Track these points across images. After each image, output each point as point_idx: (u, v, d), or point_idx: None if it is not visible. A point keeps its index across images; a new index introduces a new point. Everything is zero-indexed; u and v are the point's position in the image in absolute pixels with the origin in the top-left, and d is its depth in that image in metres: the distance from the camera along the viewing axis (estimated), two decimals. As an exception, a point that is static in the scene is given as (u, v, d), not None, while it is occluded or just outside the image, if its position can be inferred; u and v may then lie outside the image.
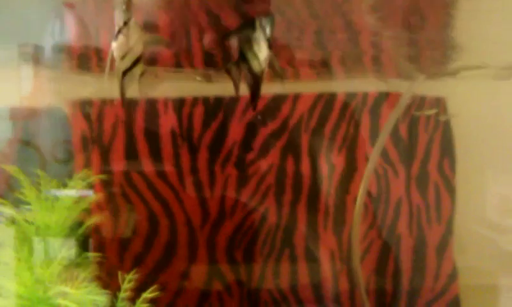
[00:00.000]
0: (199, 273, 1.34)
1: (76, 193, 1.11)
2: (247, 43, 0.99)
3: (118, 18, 0.96)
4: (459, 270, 1.33)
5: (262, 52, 0.99)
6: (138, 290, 1.30)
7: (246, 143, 1.32)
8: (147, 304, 0.90)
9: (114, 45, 0.96)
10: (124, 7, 0.94)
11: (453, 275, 1.33)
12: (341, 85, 1.33)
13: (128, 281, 0.88)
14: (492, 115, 1.33)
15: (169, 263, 1.33)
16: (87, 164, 1.31)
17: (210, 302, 1.34)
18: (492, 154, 1.35)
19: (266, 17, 0.96)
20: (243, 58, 1.01)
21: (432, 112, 1.31)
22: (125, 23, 0.95)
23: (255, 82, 1.02)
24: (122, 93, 1.02)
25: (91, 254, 1.06)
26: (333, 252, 1.33)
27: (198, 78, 1.26)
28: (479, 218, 1.34)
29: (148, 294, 0.89)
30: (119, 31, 0.95)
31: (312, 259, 1.34)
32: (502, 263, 1.30)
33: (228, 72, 1.06)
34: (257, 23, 0.96)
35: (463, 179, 1.34)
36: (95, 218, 1.15)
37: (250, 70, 1.01)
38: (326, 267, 1.34)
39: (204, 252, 1.33)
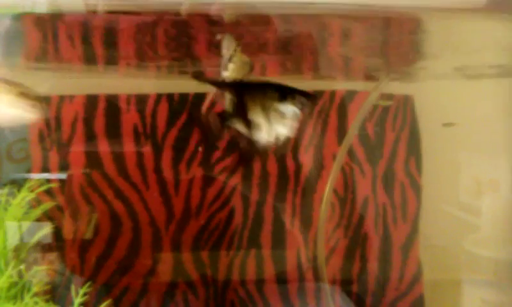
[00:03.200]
0: (164, 273, 1.32)
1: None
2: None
3: (228, 46, 0.91)
4: (424, 267, 1.35)
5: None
6: (100, 294, 1.28)
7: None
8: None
9: (225, 74, 0.91)
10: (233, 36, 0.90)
11: (418, 274, 1.34)
12: (309, 83, 1.31)
13: (82, 296, 0.85)
14: (457, 113, 1.34)
15: (133, 263, 1.30)
16: (45, 163, 1.26)
17: (175, 301, 1.32)
18: (457, 151, 1.36)
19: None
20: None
21: (388, 103, 1.30)
22: (235, 50, 0.90)
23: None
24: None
25: (42, 268, 1.01)
26: (300, 251, 1.33)
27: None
28: (444, 215, 1.35)
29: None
30: (230, 59, 0.90)
31: (279, 258, 1.33)
32: (465, 259, 1.32)
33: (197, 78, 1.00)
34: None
35: (429, 177, 1.35)
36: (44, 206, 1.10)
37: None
38: (292, 266, 1.33)
39: (169, 253, 1.31)
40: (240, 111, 0.87)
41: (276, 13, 0.92)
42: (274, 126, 0.86)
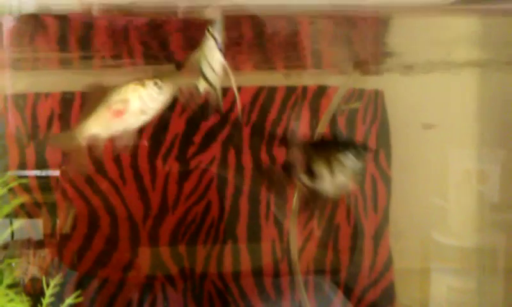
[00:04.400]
0: (142, 266, 1.34)
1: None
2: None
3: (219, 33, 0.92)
4: (394, 256, 1.40)
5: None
6: (79, 285, 1.31)
7: (187, 137, 1.31)
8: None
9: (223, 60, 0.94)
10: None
11: (388, 263, 1.39)
12: (281, 78, 1.34)
13: (53, 287, 0.87)
14: (426, 107, 1.38)
15: (111, 257, 1.32)
16: (22, 159, 1.28)
17: (154, 293, 1.35)
18: (426, 143, 1.40)
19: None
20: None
21: (357, 105, 1.34)
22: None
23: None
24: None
25: (14, 260, 1.03)
26: (274, 243, 1.36)
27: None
28: (413, 206, 1.40)
29: (71, 300, 0.88)
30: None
31: (254, 249, 1.36)
32: (433, 248, 1.37)
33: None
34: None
35: (398, 169, 1.39)
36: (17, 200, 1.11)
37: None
38: (267, 257, 1.37)
39: (147, 246, 1.33)
40: (305, 164, 0.97)
41: (251, 14, 0.95)
42: (336, 177, 0.95)
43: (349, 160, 0.96)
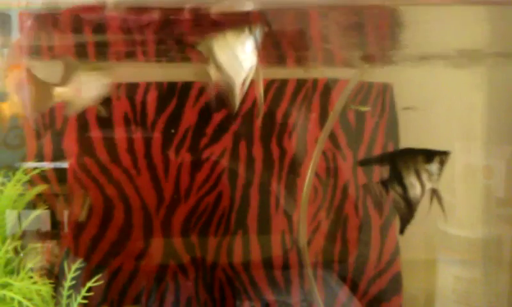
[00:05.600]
0: (155, 254, 1.37)
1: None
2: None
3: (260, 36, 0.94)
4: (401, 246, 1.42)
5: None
6: (92, 273, 1.34)
7: (200, 128, 1.34)
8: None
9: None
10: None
11: (395, 253, 1.41)
12: (292, 72, 1.37)
13: (74, 271, 0.91)
14: (434, 101, 1.40)
15: (125, 245, 1.35)
16: (39, 150, 1.31)
17: (166, 281, 1.38)
18: (433, 136, 1.42)
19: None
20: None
21: (366, 109, 1.37)
22: None
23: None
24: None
25: (39, 245, 1.07)
26: (284, 233, 1.39)
27: None
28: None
29: (92, 283, 0.91)
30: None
31: (264, 239, 1.39)
32: (439, 239, 1.39)
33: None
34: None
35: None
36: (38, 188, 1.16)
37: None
38: (277, 246, 1.39)
39: (159, 235, 1.36)
40: (396, 176, 1.06)
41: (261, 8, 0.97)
42: (425, 184, 1.04)
43: (435, 168, 1.04)
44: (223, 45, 0.94)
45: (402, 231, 1.09)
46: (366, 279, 1.42)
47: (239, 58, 0.94)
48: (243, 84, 0.95)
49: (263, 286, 1.40)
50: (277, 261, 1.40)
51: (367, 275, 1.41)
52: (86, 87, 1.01)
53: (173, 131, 1.33)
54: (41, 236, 1.28)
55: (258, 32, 0.93)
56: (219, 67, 0.94)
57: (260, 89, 1.02)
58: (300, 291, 1.40)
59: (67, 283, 0.87)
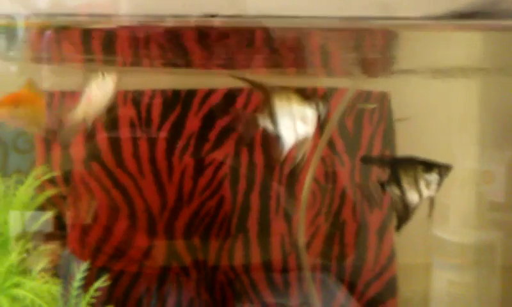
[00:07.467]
0: (158, 257, 1.40)
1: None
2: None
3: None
4: (397, 251, 1.46)
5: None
6: (97, 275, 1.37)
7: (203, 134, 1.37)
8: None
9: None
10: None
11: (391, 257, 1.45)
12: (292, 80, 1.40)
13: (82, 271, 0.94)
14: (430, 110, 1.44)
15: (129, 248, 1.39)
16: (48, 155, 1.35)
17: (169, 283, 1.41)
18: (429, 144, 1.46)
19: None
20: None
21: (373, 106, 1.41)
22: None
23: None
24: None
25: (48, 246, 1.11)
26: (283, 237, 1.42)
27: None
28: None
29: (99, 284, 0.95)
30: None
31: (264, 243, 1.42)
32: (434, 244, 1.43)
33: None
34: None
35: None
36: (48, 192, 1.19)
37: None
38: (277, 250, 1.42)
39: (163, 237, 1.39)
40: (394, 181, 1.13)
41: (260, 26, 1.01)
42: (423, 192, 1.11)
43: (434, 179, 1.10)
44: (285, 100, 0.95)
45: (398, 228, 1.13)
46: (362, 282, 1.44)
47: (296, 122, 0.94)
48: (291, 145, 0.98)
49: (263, 288, 1.43)
50: (277, 264, 1.43)
51: (364, 278, 1.44)
52: (96, 96, 1.04)
53: (176, 137, 1.37)
54: (48, 237, 1.32)
55: (323, 109, 0.94)
56: (273, 116, 0.94)
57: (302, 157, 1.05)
58: (299, 294, 1.43)
59: (76, 283, 0.91)
